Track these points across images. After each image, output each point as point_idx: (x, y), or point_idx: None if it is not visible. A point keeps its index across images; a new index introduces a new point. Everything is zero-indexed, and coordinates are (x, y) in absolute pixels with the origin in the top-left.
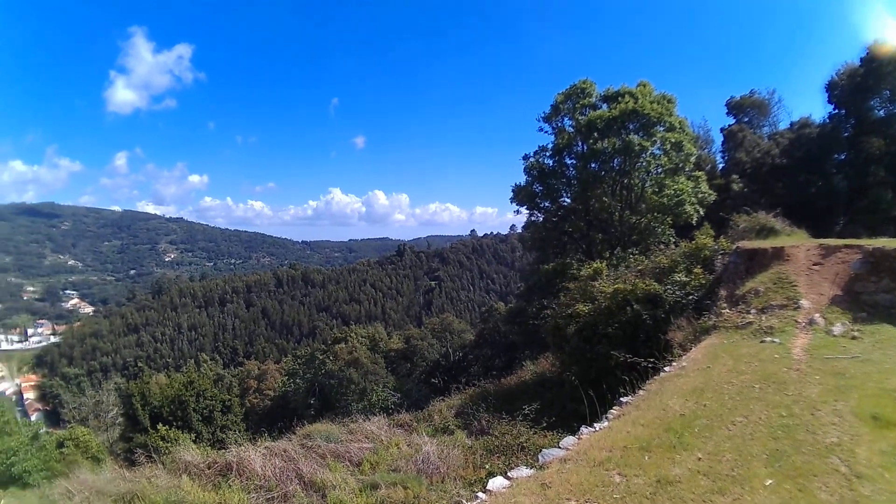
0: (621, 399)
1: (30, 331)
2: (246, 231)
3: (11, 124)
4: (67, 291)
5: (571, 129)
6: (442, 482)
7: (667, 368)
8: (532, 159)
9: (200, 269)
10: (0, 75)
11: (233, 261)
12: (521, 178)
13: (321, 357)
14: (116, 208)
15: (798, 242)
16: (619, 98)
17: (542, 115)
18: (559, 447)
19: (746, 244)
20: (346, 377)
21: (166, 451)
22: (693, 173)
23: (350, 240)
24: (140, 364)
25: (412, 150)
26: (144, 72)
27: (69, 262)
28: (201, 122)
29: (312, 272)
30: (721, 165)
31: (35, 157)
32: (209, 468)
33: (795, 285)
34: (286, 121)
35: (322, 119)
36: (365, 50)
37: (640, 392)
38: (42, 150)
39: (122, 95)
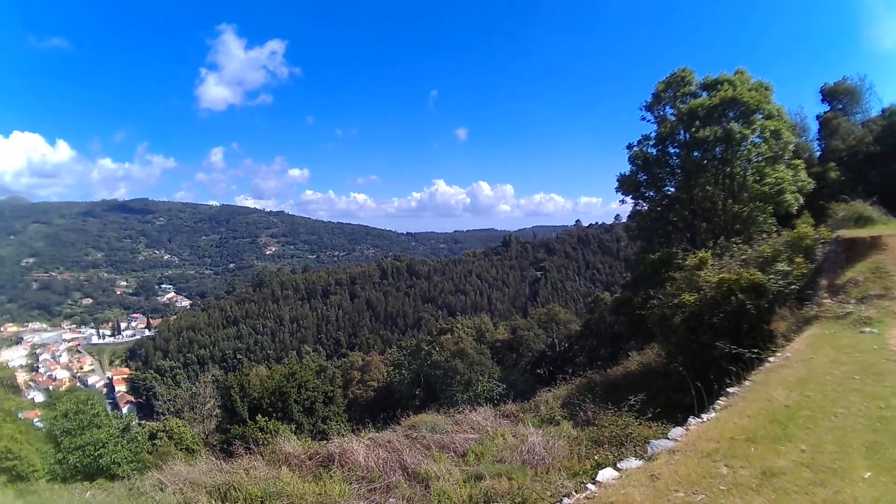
0: (727, 389)
1: (122, 325)
2: (349, 223)
3: (100, 123)
4: (163, 286)
5: (673, 118)
6: (546, 473)
7: (771, 359)
8: (636, 148)
9: (303, 261)
10: (87, 76)
11: (336, 253)
12: (626, 168)
13: (427, 348)
14: (214, 203)
15: (894, 232)
16: (718, 86)
17: (644, 103)
18: (668, 438)
19: (846, 233)
20: (452, 368)
21: (265, 443)
22: (792, 162)
23: (455, 231)
24: (239, 356)
25: (515, 141)
26: (236, 68)
27: (165, 257)
28: (299, 116)
29: (417, 263)
30: (818, 153)
31: (125, 154)
32: (310, 459)
33: (893, 275)
34: (385, 113)
35: (421, 111)
36: (463, 42)
37: (746, 382)
38: (132, 148)
39: (215, 92)
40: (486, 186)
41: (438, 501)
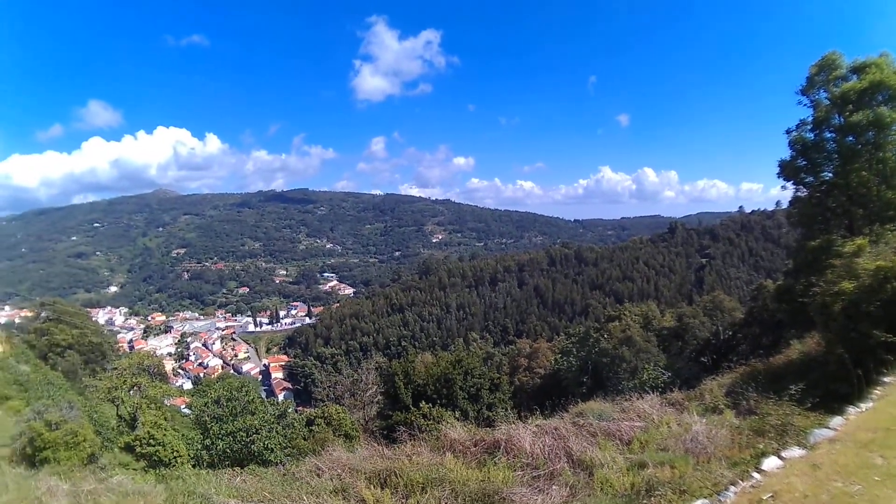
0: (883, 379)
1: (281, 313)
2: (517, 211)
3: (251, 117)
4: (325, 274)
5: (827, 102)
6: (708, 462)
7: None
8: (794, 133)
9: (470, 249)
10: (232, 71)
11: (504, 240)
12: (785, 153)
13: (595, 335)
14: (377, 192)
15: None
16: (866, 69)
17: (800, 87)
18: (828, 428)
19: None
20: (619, 355)
21: (427, 429)
22: None
23: (622, 217)
24: (404, 343)
25: (677, 127)
26: (391, 59)
27: (327, 246)
28: (460, 105)
29: (585, 250)
30: None
31: (280, 146)
32: (475, 446)
33: None
34: (546, 101)
35: (582, 97)
36: (619, 26)
37: None
38: (288, 140)
39: (372, 83)
40: (651, 173)
41: (601, 489)
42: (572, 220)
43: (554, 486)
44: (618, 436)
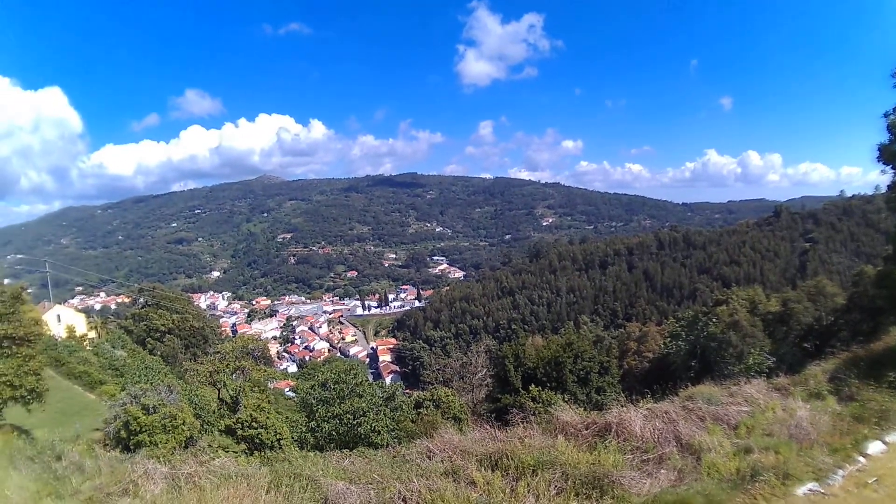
0: None
1: (390, 296)
2: (626, 194)
3: (356, 102)
4: (435, 258)
5: None
6: (810, 448)
7: None
8: (892, 116)
9: (580, 232)
10: (334, 59)
11: (613, 224)
12: (884, 136)
13: (704, 319)
14: (487, 175)
15: None
16: None
17: (894, 69)
18: None
19: None
20: (726, 340)
21: (536, 412)
22: None
23: (729, 201)
24: (514, 326)
25: (779, 110)
26: (495, 43)
27: (436, 230)
28: (566, 88)
29: (693, 234)
30: None
31: (387, 131)
32: (587, 429)
33: None
34: (651, 82)
35: (684, 80)
36: (720, 10)
37: None
38: (394, 125)
39: (477, 68)
40: (756, 156)
41: (707, 473)
42: (680, 203)
43: (662, 470)
44: (725, 420)
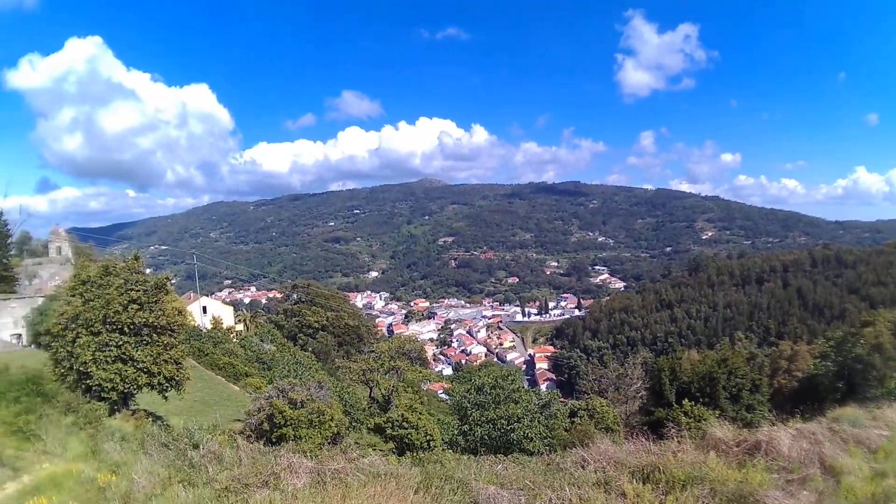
0: None
1: (551, 304)
2: (781, 210)
3: (518, 109)
4: (596, 267)
5: None
6: None
7: None
8: None
9: (738, 247)
10: (499, 66)
11: (769, 240)
12: None
13: (852, 340)
14: (649, 186)
15: None
16: None
17: None
18: None
19: None
20: (870, 362)
21: (688, 427)
22: None
23: (877, 220)
24: (671, 340)
25: None
26: (652, 54)
27: (598, 239)
28: (723, 100)
29: (845, 252)
30: None
31: (550, 138)
32: (738, 446)
33: None
34: (801, 96)
35: (832, 93)
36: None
37: None
38: (557, 133)
39: (636, 77)
40: None
41: (845, 496)
42: (833, 220)
43: (804, 491)
44: (866, 443)
